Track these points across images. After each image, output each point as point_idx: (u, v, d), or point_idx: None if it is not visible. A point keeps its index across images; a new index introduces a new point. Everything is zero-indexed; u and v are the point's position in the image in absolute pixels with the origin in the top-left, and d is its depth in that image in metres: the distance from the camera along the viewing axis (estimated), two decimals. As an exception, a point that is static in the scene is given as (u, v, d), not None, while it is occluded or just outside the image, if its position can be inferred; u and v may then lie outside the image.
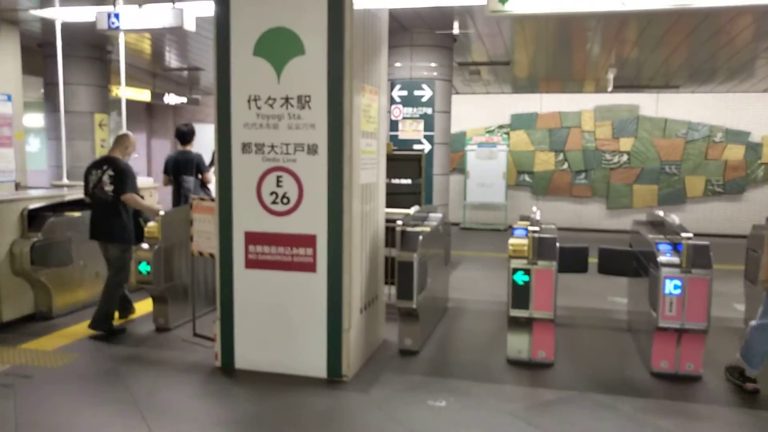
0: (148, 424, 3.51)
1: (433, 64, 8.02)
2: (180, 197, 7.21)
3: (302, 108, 4.02)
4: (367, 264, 4.54)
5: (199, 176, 7.26)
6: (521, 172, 13.64)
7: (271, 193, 4.15)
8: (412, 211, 5.09)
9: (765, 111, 12.54)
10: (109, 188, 5.14)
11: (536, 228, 4.43)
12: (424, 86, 7.72)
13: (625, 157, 13.17)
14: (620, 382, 4.33)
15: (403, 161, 5.65)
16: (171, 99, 13.53)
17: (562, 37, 8.43)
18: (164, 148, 16.08)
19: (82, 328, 5.32)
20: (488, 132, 13.51)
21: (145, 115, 16.21)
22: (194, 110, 15.81)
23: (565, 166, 13.42)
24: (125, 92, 11.47)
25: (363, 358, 4.54)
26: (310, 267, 4.15)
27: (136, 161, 13.55)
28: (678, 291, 4.15)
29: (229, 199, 4.24)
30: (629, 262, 5.33)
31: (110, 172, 5.16)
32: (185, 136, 7.45)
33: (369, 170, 4.47)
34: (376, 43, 4.56)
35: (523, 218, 5.72)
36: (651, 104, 12.93)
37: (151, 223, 5.24)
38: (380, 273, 4.97)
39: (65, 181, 8.12)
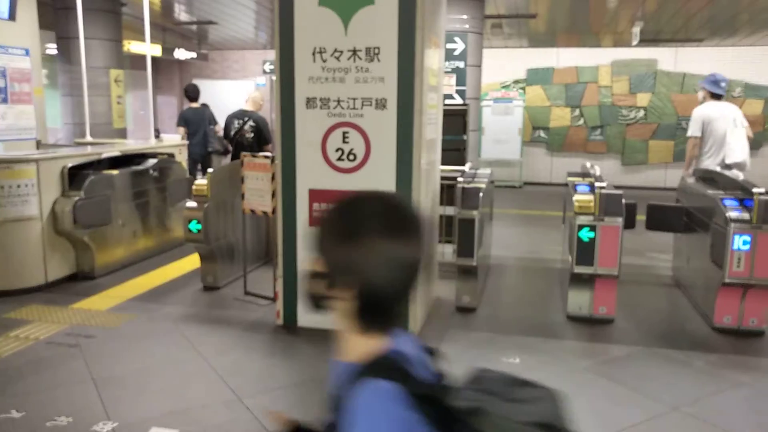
0: (229, 385, 3.48)
1: (464, 16, 7.82)
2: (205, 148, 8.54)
3: (371, 61, 3.89)
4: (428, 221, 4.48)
5: (212, 127, 8.67)
6: (536, 128, 13.51)
7: (337, 150, 4.05)
8: (466, 168, 5.01)
9: (784, 65, 12.41)
10: (249, 135, 6.79)
11: (603, 183, 4.37)
12: (457, 39, 7.54)
13: (641, 113, 13.05)
14: (683, 337, 4.35)
15: (447, 116, 5.53)
16: (180, 54, 13.19)
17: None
18: (170, 104, 15.79)
19: (127, 288, 5.26)
20: (504, 87, 13.32)
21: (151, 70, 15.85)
22: (202, 66, 15.48)
23: (581, 121, 13.29)
24: (139, 47, 11.19)
25: (425, 315, 4.52)
26: (377, 225, 4.07)
27: (141, 117, 13.34)
28: (747, 247, 4.12)
29: (293, 156, 4.14)
30: (679, 217, 5.30)
31: (251, 123, 6.85)
32: (195, 93, 8.74)
33: (433, 125, 4.37)
34: (439, -8, 4.41)
35: (574, 174, 5.67)
36: (670, 59, 12.75)
37: (200, 180, 5.14)
38: (436, 230, 4.91)
39: (89, 138, 7.93)
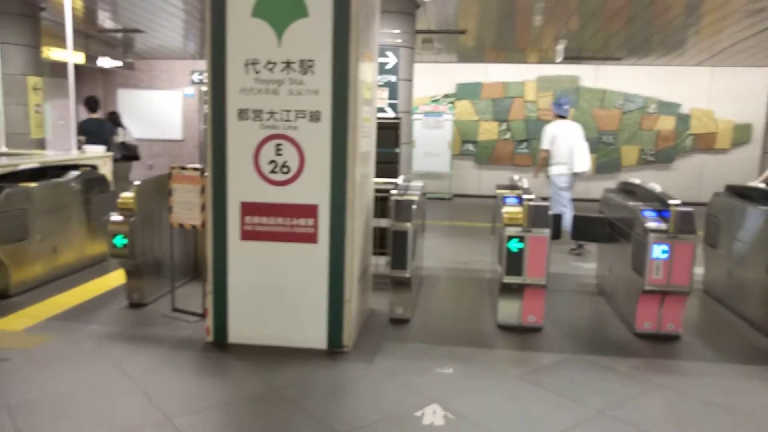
0: (158, 406, 3.36)
1: (397, 31, 7.92)
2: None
3: (305, 73, 3.88)
4: (362, 234, 4.49)
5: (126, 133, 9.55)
6: (466, 141, 13.81)
7: (270, 162, 4.01)
8: (400, 180, 5.05)
9: (694, 84, 13.20)
10: None
11: (531, 196, 4.51)
12: (389, 53, 7.63)
13: (565, 127, 13.54)
14: (607, 343, 4.52)
15: (381, 129, 5.57)
16: (105, 62, 12.72)
17: (509, 6, 8.53)
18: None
19: (47, 307, 5.01)
20: (434, 101, 13.56)
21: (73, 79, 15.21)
22: (128, 75, 14.98)
23: (508, 135, 13.68)
24: (60, 54, 10.74)
25: (358, 328, 4.52)
26: (311, 238, 4.05)
27: (62, 128, 12.77)
28: (665, 255, 4.34)
29: (224, 169, 4.06)
30: (603, 228, 5.53)
31: None
32: (94, 104, 9.25)
33: (367, 138, 4.39)
34: (373, 5, 4.45)
35: (502, 187, 5.81)
36: (591, 75, 13.34)
37: (126, 193, 4.97)
38: (371, 243, 4.93)
39: (4, 149, 7.53)
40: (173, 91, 15.27)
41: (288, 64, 3.89)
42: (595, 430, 3.20)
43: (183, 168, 4.72)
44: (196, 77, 14.91)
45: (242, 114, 3.98)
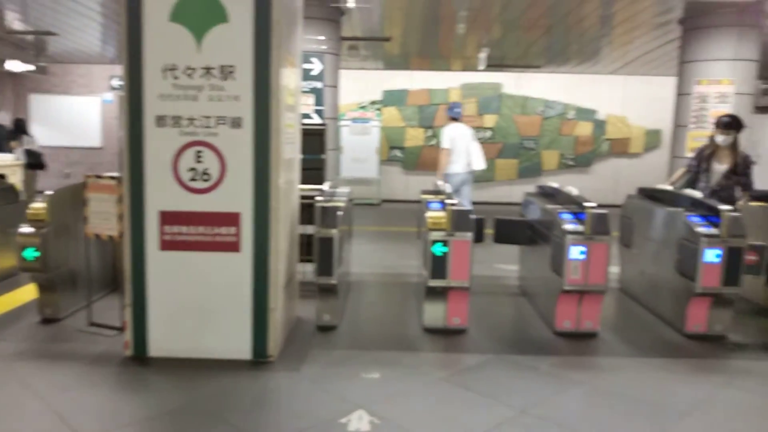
0: (72, 426, 3.21)
1: (321, 37, 7.91)
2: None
3: (225, 79, 3.82)
4: (288, 241, 4.45)
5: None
6: (393, 147, 13.94)
7: (190, 170, 3.91)
8: (326, 186, 5.04)
9: (609, 91, 13.83)
10: None
11: (454, 201, 4.59)
12: (314, 59, 7.61)
13: (488, 133, 13.91)
14: (529, 343, 4.65)
15: (306, 136, 5.55)
16: (14, 66, 12.07)
17: (432, 14, 8.70)
18: (2, 120, 14.40)
19: (-49, 325, 4.70)
20: (361, 108, 13.62)
21: (-23, 83, 14.39)
22: (40, 79, 14.27)
23: (434, 141, 13.89)
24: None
25: (284, 337, 4.47)
26: (234, 246, 3.98)
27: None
28: (582, 256, 4.51)
29: (141, 177, 3.94)
30: (524, 231, 5.69)
31: None
32: None
33: (291, 145, 4.36)
34: (295, 11, 4.42)
35: (427, 192, 5.90)
36: (513, 83, 13.74)
37: (37, 204, 4.73)
38: (296, 250, 4.89)
39: None
40: (91, 96, 14.68)
41: (208, 69, 3.81)
42: (517, 429, 3.28)
43: (99, 177, 4.55)
44: (115, 83, 14.39)
45: (160, 120, 3.87)
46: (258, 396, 3.64)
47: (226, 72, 3.81)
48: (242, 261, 4.00)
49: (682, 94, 8.51)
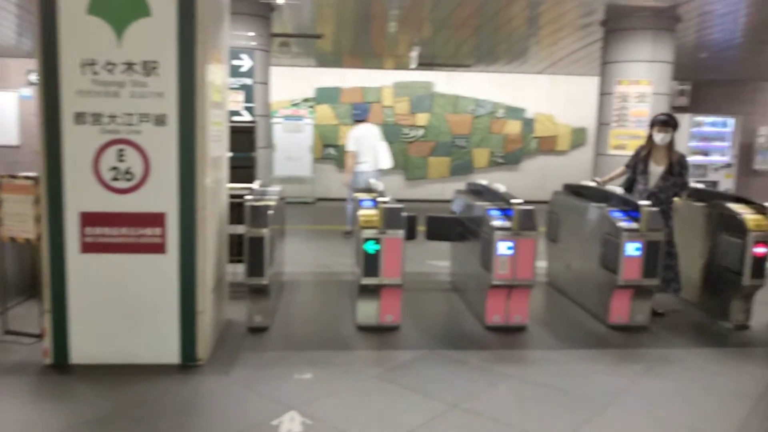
0: (-15, 437, 3.04)
1: (251, 33, 7.78)
2: None
3: (148, 75, 3.69)
4: (216, 242, 4.36)
5: None
6: (327, 145, 13.86)
7: (112, 169, 3.77)
8: (255, 185, 4.96)
9: (536, 90, 14.20)
10: None
11: (386, 198, 4.61)
12: (243, 56, 7.47)
13: (421, 132, 14.04)
14: (461, 338, 4.73)
15: (235, 133, 5.45)
16: None
17: (364, 12, 8.72)
18: None
19: None
20: (294, 105, 13.48)
21: None
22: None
23: (368, 139, 13.91)
24: None
25: (214, 340, 4.37)
26: (159, 248, 3.86)
27: None
28: (510, 251, 4.62)
29: (59, 177, 3.76)
30: (455, 228, 5.78)
31: None
32: None
33: (218, 143, 4.26)
34: (221, 6, 4.33)
35: (359, 190, 5.89)
36: (444, 82, 13.91)
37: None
38: (226, 251, 4.80)
39: None
40: (7, 92, 13.93)
41: (130, 65, 3.68)
42: (447, 424, 3.33)
43: (13, 177, 4.31)
44: (33, 78, 13.69)
45: (79, 118, 3.71)
46: (187, 401, 3.55)
47: (149, 68, 3.69)
48: (168, 263, 3.89)
49: (604, 93, 8.84)
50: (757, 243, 4.85)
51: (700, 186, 6.12)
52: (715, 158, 13.09)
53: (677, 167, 5.29)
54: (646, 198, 5.18)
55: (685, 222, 5.63)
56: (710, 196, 5.60)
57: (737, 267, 4.95)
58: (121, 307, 3.91)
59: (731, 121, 13.08)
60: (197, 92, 3.75)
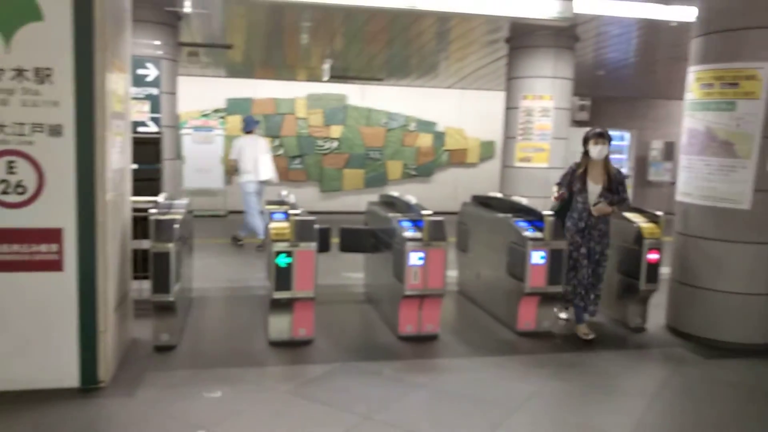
0: None
1: (157, 42, 7.53)
2: None
3: (41, 83, 3.49)
4: (118, 258, 4.16)
5: None
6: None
7: (1, 182, 3.53)
8: (160, 198, 4.79)
9: (447, 105, 14.54)
10: None
11: (297, 211, 4.56)
12: (149, 65, 7.21)
13: (335, 144, 14.04)
14: (374, 349, 4.74)
15: (140, 145, 5.24)
16: None
17: (275, 23, 8.67)
18: None
19: None
20: (204, 116, 13.15)
21: None
22: None
23: (281, 151, 13.77)
24: None
25: (117, 360, 4.16)
26: (56, 265, 3.65)
27: None
28: (421, 262, 4.68)
29: (-60, 190, 3.48)
30: (368, 239, 5.80)
31: None
32: None
33: (120, 154, 4.08)
34: (122, 13, 4.16)
35: (271, 202, 5.81)
36: (357, 95, 13.99)
37: None
38: (129, 267, 4.59)
39: None
40: None
41: (20, 71, 3.46)
42: (361, 435, 3.32)
43: None
44: None
45: (-37, 127, 3.45)
46: (87, 425, 3.37)
47: (42, 75, 3.48)
48: (66, 281, 3.68)
49: (510, 108, 9.16)
50: (651, 250, 5.15)
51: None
52: (614, 170, 13.85)
53: (615, 184, 5.03)
54: (587, 217, 5.02)
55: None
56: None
57: (634, 273, 5.24)
58: (13, 330, 3.65)
59: (627, 135, 13.89)
60: (96, 101, 3.58)
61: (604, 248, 5.11)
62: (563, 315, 5.56)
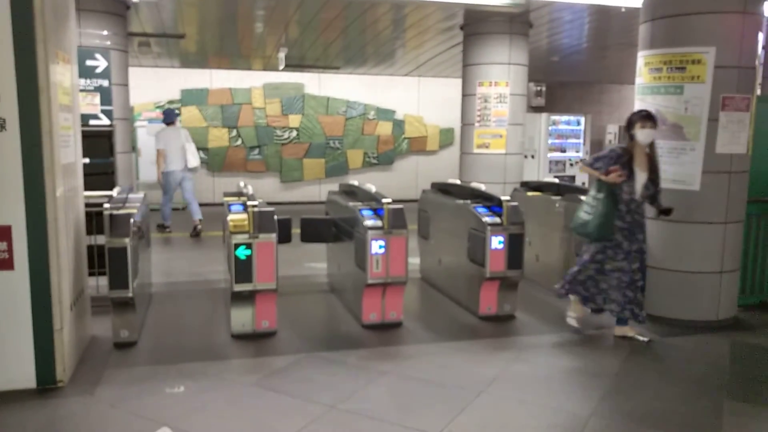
0: None
1: (105, 32, 7.30)
2: None
3: (-19, 76, 3.36)
4: (72, 254, 4.05)
5: None
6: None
7: (-57, 179, 3.40)
8: (114, 192, 4.67)
9: (405, 92, 14.55)
10: None
11: (255, 202, 4.51)
12: (98, 56, 6.99)
13: (294, 133, 13.92)
14: (339, 338, 4.74)
15: (91, 138, 5.10)
16: None
17: (228, 12, 8.52)
18: None
19: None
20: (158, 107, 12.85)
21: None
22: None
23: (239, 142, 13.58)
24: None
25: (76, 359, 4.07)
26: (6, 264, 3.53)
27: None
28: (383, 250, 4.69)
29: None
30: (329, 229, 5.78)
31: None
32: None
33: (69, 148, 3.96)
34: (63, 1, 4.02)
35: (229, 194, 5.73)
36: (315, 83, 13.88)
37: None
38: (85, 263, 4.47)
39: None
40: None
41: (-41, 64, 3.33)
42: (326, 427, 3.31)
43: None
44: None
45: None
46: (45, 426, 3.29)
47: (-17, 68, 3.35)
48: (18, 279, 3.58)
49: (466, 95, 9.21)
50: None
51: (556, 181, 6.55)
52: (571, 154, 14.08)
53: (657, 171, 4.66)
54: (635, 208, 4.62)
55: (544, 215, 6.01)
56: (566, 190, 6.01)
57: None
58: (-38, 332, 3.54)
59: (582, 120, 14.13)
60: (41, 95, 3.46)
61: (643, 242, 4.72)
62: (634, 334, 4.80)
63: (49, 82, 3.50)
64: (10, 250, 3.53)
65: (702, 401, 3.75)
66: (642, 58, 5.32)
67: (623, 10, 7.77)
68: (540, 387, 3.91)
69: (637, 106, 5.35)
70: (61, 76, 3.80)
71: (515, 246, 4.99)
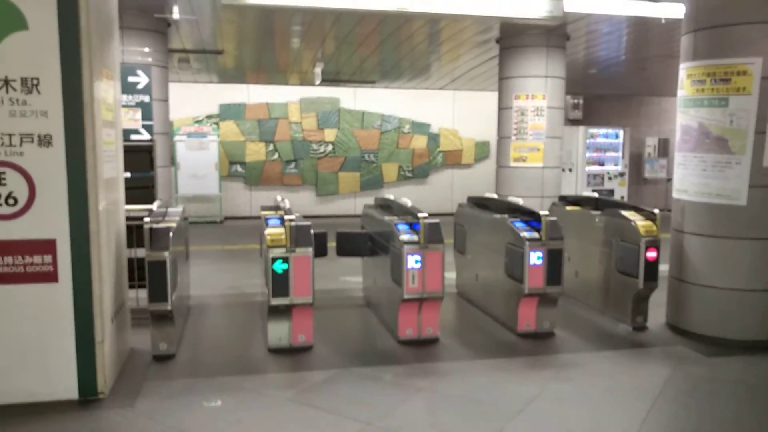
0: None
1: (146, 49, 7.50)
2: None
3: (29, 93, 3.45)
4: (113, 267, 4.12)
5: None
6: (233, 162, 13.56)
7: (-8, 194, 3.49)
8: (154, 206, 4.75)
9: (440, 106, 14.55)
10: None
11: (292, 216, 4.53)
12: (140, 72, 7.17)
13: (330, 147, 14.02)
14: (375, 354, 4.70)
15: (132, 153, 5.20)
16: None
17: (265, 28, 8.64)
18: None
19: None
20: (197, 122, 13.11)
21: None
22: None
23: (276, 156, 13.75)
24: None
25: (116, 371, 4.12)
26: (51, 277, 3.60)
27: None
28: (419, 265, 4.65)
29: (-70, 204, 3.44)
30: (365, 243, 5.77)
31: None
32: None
33: (111, 163, 4.04)
34: (109, 21, 4.12)
35: (267, 208, 5.77)
36: (350, 97, 13.98)
37: None
38: (125, 276, 4.55)
39: None
40: None
41: (6, 82, 3.43)
42: (363, 442, 3.28)
43: None
44: None
45: (-49, 139, 3.41)
46: (85, 440, 3.32)
47: (30, 85, 3.45)
48: (61, 292, 3.64)
49: (503, 108, 9.16)
50: (649, 248, 5.13)
51: (595, 195, 6.43)
52: (610, 167, 13.86)
53: None
54: None
55: (583, 230, 5.90)
56: (605, 205, 5.89)
57: (633, 271, 5.22)
58: (10, 342, 3.61)
59: (621, 133, 13.91)
60: (85, 110, 3.54)
61: None
62: None
63: (93, 98, 3.58)
64: (54, 263, 3.60)
65: (753, 422, 3.60)
66: (684, 70, 5.20)
67: (663, 21, 7.64)
68: (582, 406, 3.81)
69: (680, 119, 5.22)
70: (105, 93, 3.89)
71: (554, 262, 4.90)
